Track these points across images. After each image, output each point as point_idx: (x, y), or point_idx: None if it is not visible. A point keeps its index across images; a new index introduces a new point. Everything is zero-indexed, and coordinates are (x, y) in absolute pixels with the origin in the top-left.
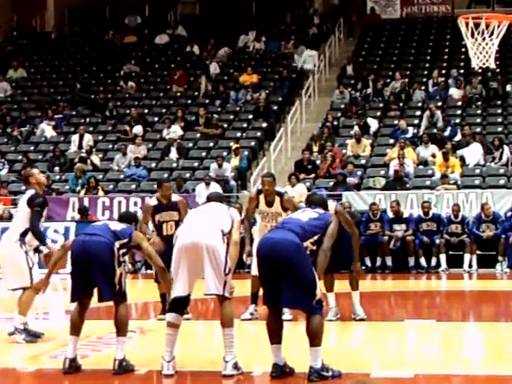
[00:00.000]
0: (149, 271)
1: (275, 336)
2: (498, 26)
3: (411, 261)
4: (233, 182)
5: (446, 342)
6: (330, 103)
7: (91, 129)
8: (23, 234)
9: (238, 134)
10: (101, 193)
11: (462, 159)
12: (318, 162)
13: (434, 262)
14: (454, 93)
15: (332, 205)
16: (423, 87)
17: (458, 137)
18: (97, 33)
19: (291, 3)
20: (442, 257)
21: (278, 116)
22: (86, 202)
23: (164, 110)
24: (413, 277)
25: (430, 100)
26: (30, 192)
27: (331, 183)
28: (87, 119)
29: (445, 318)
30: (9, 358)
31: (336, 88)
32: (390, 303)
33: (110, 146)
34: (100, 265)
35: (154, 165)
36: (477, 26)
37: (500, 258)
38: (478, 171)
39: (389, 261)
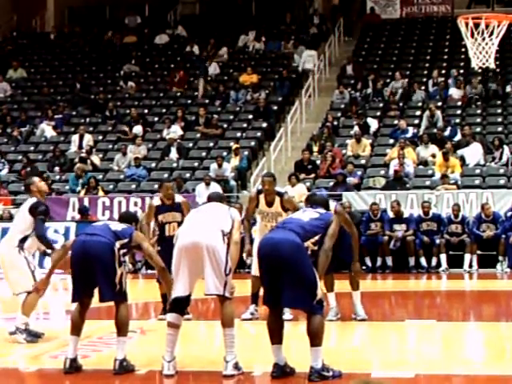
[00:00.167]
0: (149, 271)
1: (276, 336)
2: (498, 26)
3: (411, 261)
4: (233, 182)
5: (446, 341)
6: (330, 103)
7: (91, 129)
8: (22, 241)
9: (238, 134)
10: (101, 193)
11: (462, 159)
12: (318, 162)
13: (434, 261)
14: (454, 93)
15: (332, 205)
16: (423, 87)
17: (458, 137)
18: (97, 33)
19: (291, 3)
20: (443, 257)
21: (278, 116)
22: (86, 202)
23: (164, 110)
24: (413, 277)
25: (429, 100)
26: (32, 200)
27: (331, 183)
28: (87, 119)
29: (445, 317)
30: (10, 357)
31: (336, 88)
32: (391, 303)
33: (110, 146)
34: (101, 265)
35: (154, 165)
36: (476, 26)
37: (500, 258)
38: (478, 171)
39: (389, 261)
